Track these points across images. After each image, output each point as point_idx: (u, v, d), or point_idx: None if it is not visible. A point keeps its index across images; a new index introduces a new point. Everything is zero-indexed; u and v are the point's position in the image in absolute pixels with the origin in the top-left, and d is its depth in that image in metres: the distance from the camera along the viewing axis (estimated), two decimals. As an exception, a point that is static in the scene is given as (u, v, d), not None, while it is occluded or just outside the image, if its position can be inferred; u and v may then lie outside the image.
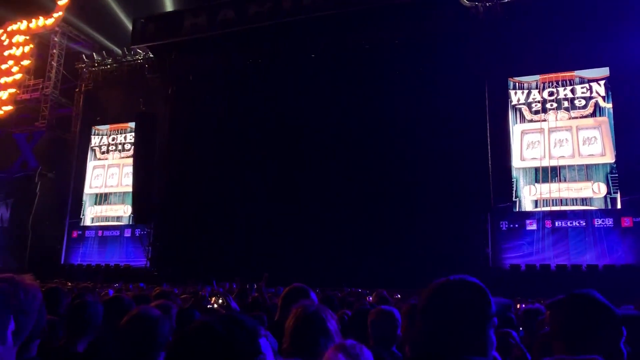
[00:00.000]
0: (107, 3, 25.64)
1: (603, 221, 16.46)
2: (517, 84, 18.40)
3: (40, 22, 27.18)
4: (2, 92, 27.43)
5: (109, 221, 24.09)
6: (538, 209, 17.34)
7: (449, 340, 1.46)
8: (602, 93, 17.28)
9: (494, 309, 1.51)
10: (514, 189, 17.66)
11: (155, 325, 2.38)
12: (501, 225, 17.61)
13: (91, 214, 24.54)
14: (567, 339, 1.75)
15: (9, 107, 27.21)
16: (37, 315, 1.76)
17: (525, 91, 18.25)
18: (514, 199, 17.63)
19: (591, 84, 17.45)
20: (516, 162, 17.85)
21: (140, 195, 22.13)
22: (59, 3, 27.04)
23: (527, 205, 17.52)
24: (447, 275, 1.63)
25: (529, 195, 17.51)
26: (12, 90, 27.35)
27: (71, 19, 27.32)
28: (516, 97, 18.33)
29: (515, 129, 18.15)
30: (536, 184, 17.45)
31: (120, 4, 25.68)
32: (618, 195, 16.42)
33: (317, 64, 20.43)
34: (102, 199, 24.51)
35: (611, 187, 16.54)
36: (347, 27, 19.56)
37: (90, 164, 25.16)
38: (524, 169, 17.75)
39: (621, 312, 1.78)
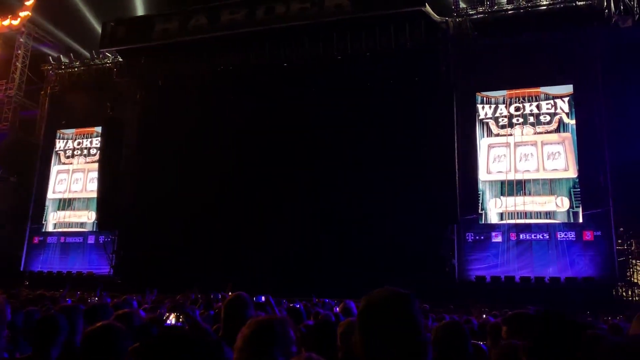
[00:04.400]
0: (75, 5, 25.20)
1: (566, 234, 16.84)
2: (484, 98, 18.75)
3: (5, 22, 26.51)
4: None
5: (72, 227, 23.50)
6: (503, 222, 17.63)
7: (385, 351, 1.50)
8: (566, 109, 17.74)
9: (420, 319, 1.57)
10: (480, 201, 17.94)
11: (116, 340, 2.31)
12: (467, 237, 17.85)
13: (54, 219, 23.91)
14: (539, 356, 1.80)
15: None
16: None
17: (493, 106, 18.60)
18: (480, 212, 17.90)
19: (555, 100, 17.90)
20: (483, 175, 18.14)
21: (105, 202, 21.68)
22: (26, 3, 26.45)
23: (493, 218, 17.81)
24: (407, 286, 1.66)
25: (495, 208, 17.81)
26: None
27: (38, 20, 26.76)
28: (484, 111, 18.67)
29: (482, 143, 18.46)
30: (502, 197, 17.76)
31: (89, 6, 25.28)
32: (580, 210, 16.83)
33: (289, 73, 20.44)
34: (65, 204, 23.92)
35: (574, 202, 16.95)
36: (319, 38, 19.64)
37: (54, 168, 24.55)
38: (490, 182, 18.06)
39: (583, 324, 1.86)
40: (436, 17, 18.91)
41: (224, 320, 3.20)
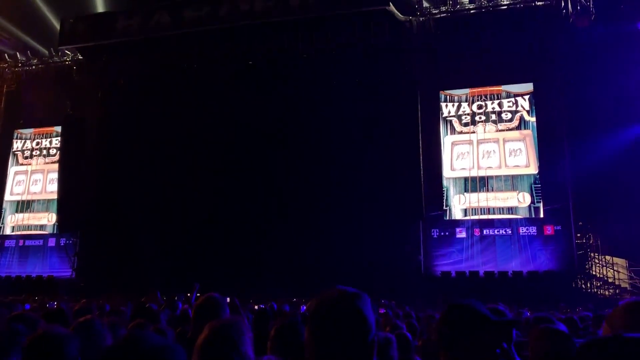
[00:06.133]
0: (32, 0, 24.40)
1: (527, 229, 17.24)
2: (448, 96, 19.02)
3: (-43, 18, 25.51)
4: None
5: (31, 230, 22.83)
6: (467, 218, 17.94)
7: (335, 351, 1.48)
8: (527, 107, 18.16)
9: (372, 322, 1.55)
10: (445, 198, 18.20)
11: (59, 346, 2.21)
12: (432, 233, 18.08)
13: (11, 222, 23.18)
14: (448, 348, 1.84)
15: None
16: None
17: (456, 104, 18.89)
18: (444, 208, 18.16)
19: (517, 98, 18.30)
20: (447, 172, 18.41)
21: (66, 203, 21.14)
22: (-21, -1, 25.51)
23: (457, 214, 18.10)
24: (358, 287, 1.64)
25: (459, 204, 18.10)
26: None
27: (-8, 16, 25.82)
28: (447, 109, 18.94)
29: (446, 140, 18.73)
30: (465, 194, 18.06)
31: (46, 2, 24.51)
32: (541, 205, 17.26)
33: (254, 71, 20.30)
34: (24, 206, 23.21)
35: (535, 197, 17.37)
36: (284, 35, 19.57)
37: (12, 169, 23.81)
38: (454, 178, 18.34)
39: (496, 318, 1.90)
40: (400, 16, 19.08)
41: (195, 321, 3.12)
